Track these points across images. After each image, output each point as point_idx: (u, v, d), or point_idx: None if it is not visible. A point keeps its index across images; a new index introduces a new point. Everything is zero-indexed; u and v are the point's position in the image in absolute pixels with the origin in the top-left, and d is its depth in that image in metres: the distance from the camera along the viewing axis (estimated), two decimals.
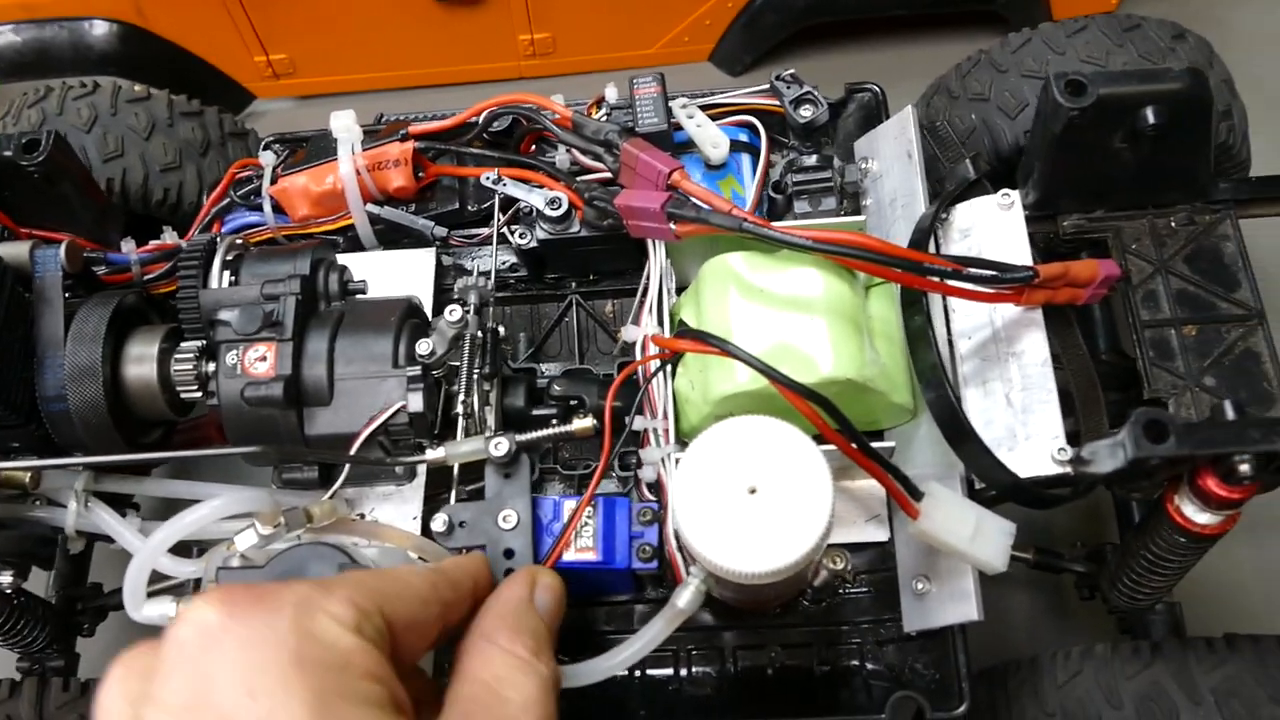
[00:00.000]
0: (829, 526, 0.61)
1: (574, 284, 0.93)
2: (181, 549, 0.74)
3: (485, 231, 0.93)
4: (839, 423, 0.68)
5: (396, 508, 0.81)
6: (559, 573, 0.70)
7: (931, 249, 0.78)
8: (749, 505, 0.62)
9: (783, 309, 0.75)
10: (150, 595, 0.70)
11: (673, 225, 0.76)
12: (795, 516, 0.61)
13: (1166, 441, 0.60)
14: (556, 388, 0.85)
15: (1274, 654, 0.71)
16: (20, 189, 0.82)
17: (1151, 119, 0.75)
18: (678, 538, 0.73)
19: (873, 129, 0.91)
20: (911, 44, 1.44)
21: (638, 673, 0.77)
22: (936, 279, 0.72)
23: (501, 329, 0.84)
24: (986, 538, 0.69)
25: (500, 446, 0.72)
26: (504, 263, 0.93)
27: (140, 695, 0.40)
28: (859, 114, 0.95)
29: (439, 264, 0.92)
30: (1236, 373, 0.74)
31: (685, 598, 0.66)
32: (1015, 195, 0.80)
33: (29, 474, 0.70)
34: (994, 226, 0.80)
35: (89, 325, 0.77)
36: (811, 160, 0.88)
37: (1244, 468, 0.61)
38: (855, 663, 0.75)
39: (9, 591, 0.80)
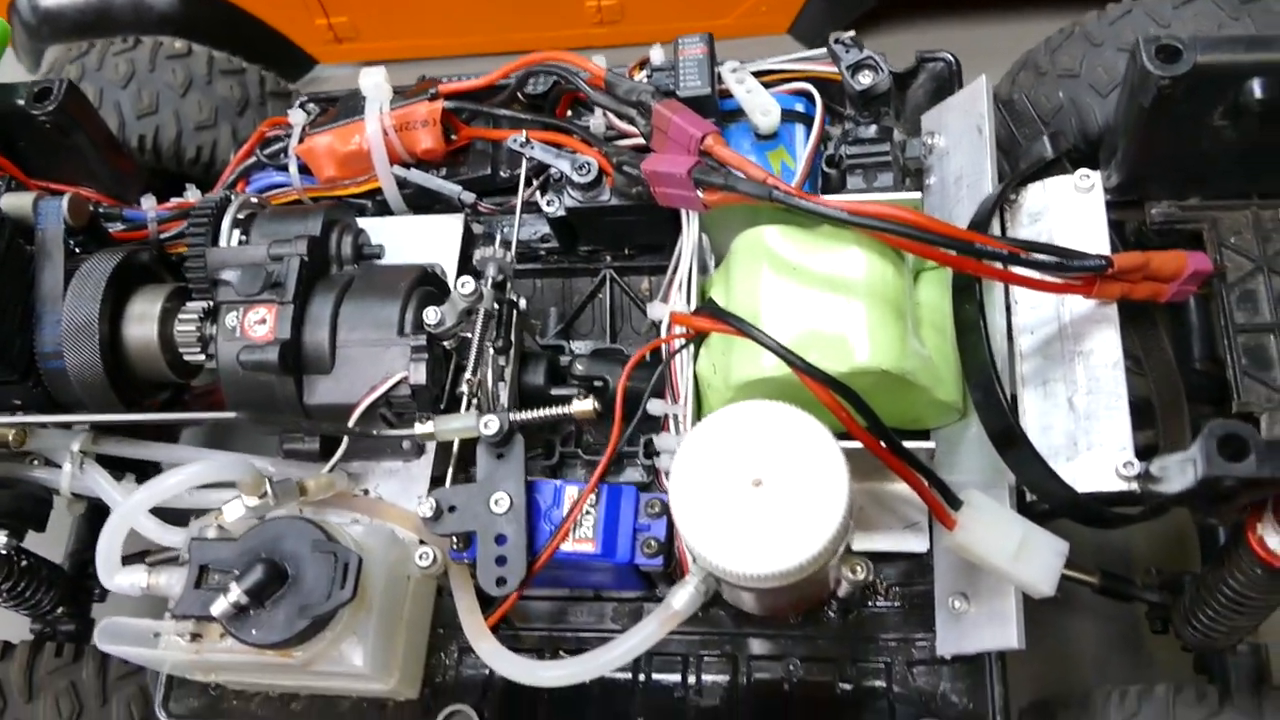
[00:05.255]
0: (844, 527, 0.54)
1: (608, 258, 0.87)
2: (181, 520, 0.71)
3: (517, 199, 0.87)
4: (866, 418, 0.61)
5: (402, 485, 0.76)
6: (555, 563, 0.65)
7: (995, 231, 0.70)
8: (753, 499, 0.55)
9: (819, 289, 0.67)
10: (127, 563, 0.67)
11: (700, 193, 0.69)
12: (804, 514, 0.54)
13: (1245, 460, 0.51)
14: (579, 367, 0.79)
15: None
16: (33, 139, 0.80)
17: (1259, 93, 0.65)
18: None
19: (942, 101, 0.83)
20: (1005, 20, 1.33)
21: (642, 677, 0.71)
22: (992, 264, 0.64)
23: (523, 302, 0.78)
24: (1033, 556, 0.61)
25: (491, 425, 0.66)
26: (536, 233, 0.88)
27: None
28: (930, 85, 0.87)
29: (468, 231, 0.87)
30: None
31: (681, 598, 0.60)
32: (1095, 176, 0.71)
33: (13, 431, 0.67)
34: (1069, 211, 0.71)
35: (90, 281, 0.74)
36: (869, 132, 0.80)
37: None
38: (881, 684, 0.68)
39: (6, 552, 0.78)
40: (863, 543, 0.70)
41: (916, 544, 0.70)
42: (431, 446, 0.77)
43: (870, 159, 0.79)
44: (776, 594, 0.60)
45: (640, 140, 0.79)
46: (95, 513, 0.91)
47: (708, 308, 0.66)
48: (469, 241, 0.87)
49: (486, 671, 0.73)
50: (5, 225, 0.72)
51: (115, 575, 0.65)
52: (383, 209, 0.91)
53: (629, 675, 0.71)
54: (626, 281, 0.87)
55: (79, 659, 0.81)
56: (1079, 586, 0.80)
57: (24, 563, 0.81)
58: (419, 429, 0.69)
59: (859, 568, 0.61)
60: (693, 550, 0.57)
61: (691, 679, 0.70)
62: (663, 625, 0.60)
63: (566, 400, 0.68)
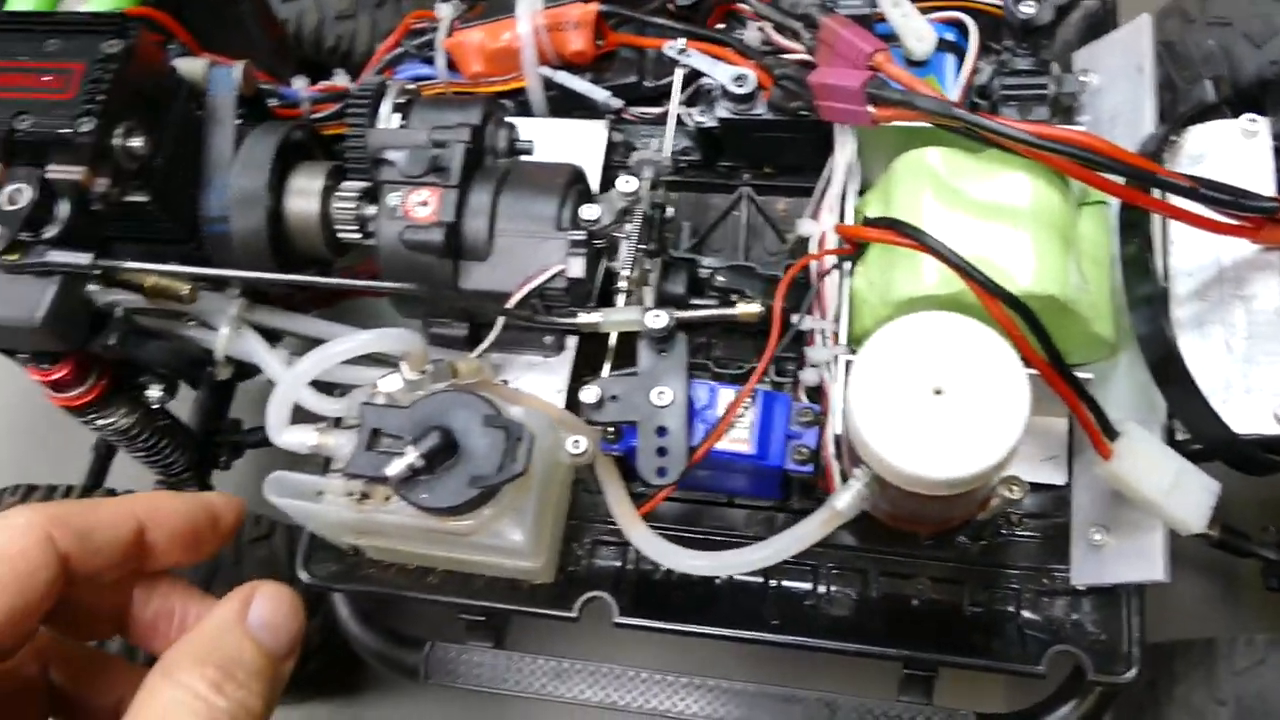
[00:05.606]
0: (1022, 434, 0.56)
1: (747, 175, 0.87)
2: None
3: (659, 110, 0.88)
4: (1039, 338, 0.62)
5: (542, 378, 0.78)
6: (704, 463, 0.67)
7: None
8: (934, 406, 0.57)
9: (983, 217, 0.68)
10: None
11: (871, 108, 0.70)
12: (986, 420, 0.56)
13: None
14: (720, 278, 0.80)
15: None
16: (198, 9, 0.81)
17: None
18: (838, 444, 0.68)
19: (1096, 39, 0.82)
20: None
21: (773, 582, 0.73)
22: (1165, 198, 0.64)
23: (671, 210, 0.79)
24: (1186, 492, 0.62)
25: (659, 319, 0.68)
26: (677, 145, 0.88)
27: None
28: (1082, 24, 0.87)
29: (608, 140, 0.88)
30: None
31: (845, 499, 0.62)
32: (1263, 122, 0.71)
33: (189, 287, 0.69)
34: (1233, 156, 0.71)
35: (259, 150, 0.75)
36: (1026, 64, 0.80)
37: None
38: (1011, 609, 0.70)
39: (157, 407, 0.80)
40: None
41: (1055, 476, 0.72)
42: (571, 345, 0.78)
43: (1026, 91, 0.79)
44: (939, 504, 0.61)
45: (803, 55, 0.79)
46: (223, 386, 0.94)
47: (882, 220, 0.67)
48: (609, 150, 0.88)
49: (618, 564, 0.75)
50: (183, 87, 0.73)
51: (284, 433, 0.67)
52: (523, 110, 0.91)
53: (760, 580, 0.73)
54: (762, 201, 0.87)
55: None
56: (1185, 540, 0.83)
57: (166, 422, 0.83)
58: (583, 318, 0.70)
59: (1015, 487, 0.63)
60: (874, 455, 0.58)
61: (821, 589, 0.72)
62: (824, 525, 0.62)
63: (731, 303, 0.70)
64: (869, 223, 0.68)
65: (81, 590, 0.39)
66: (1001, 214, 0.68)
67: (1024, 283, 0.65)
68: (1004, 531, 0.71)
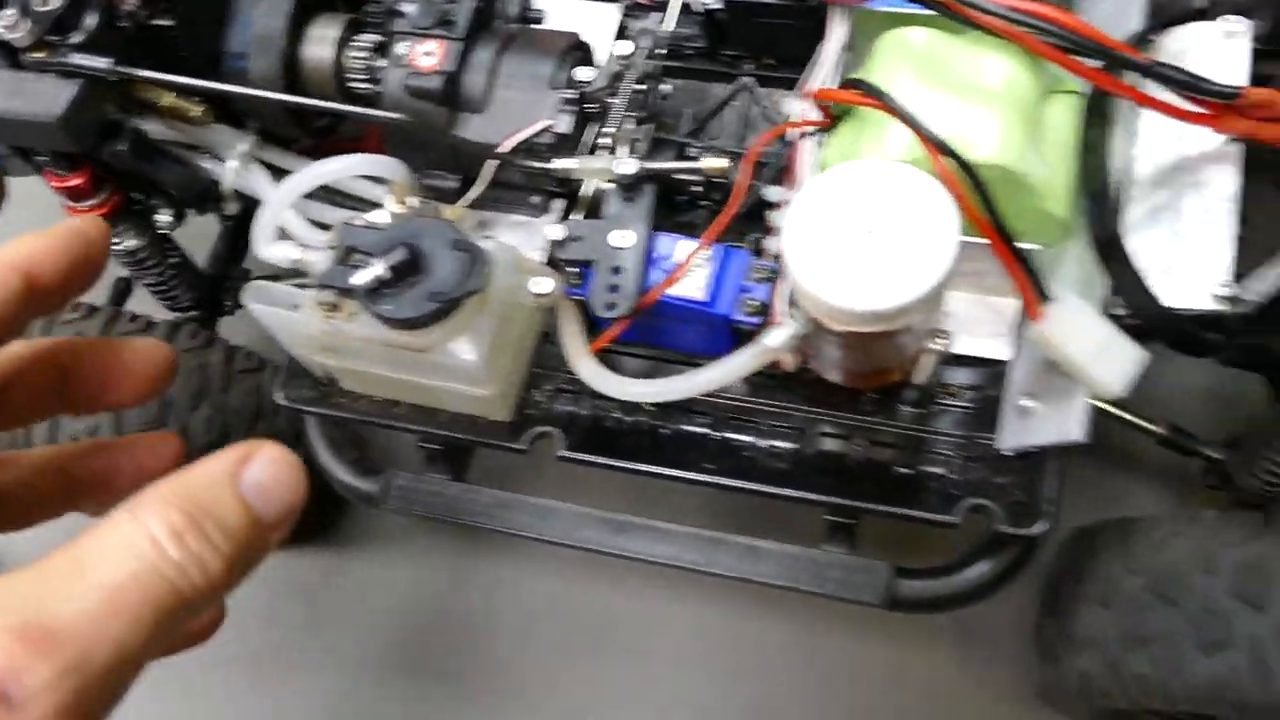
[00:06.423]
0: (949, 275, 0.58)
1: (749, 66, 0.90)
2: None
3: None
4: (984, 204, 0.64)
5: (527, 237, 0.82)
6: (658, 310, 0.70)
7: None
8: (864, 244, 0.60)
9: (954, 93, 0.70)
10: None
11: None
12: (912, 258, 0.58)
13: None
14: (708, 156, 0.83)
15: None
16: None
17: None
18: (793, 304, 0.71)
19: None
20: None
21: (717, 434, 0.76)
22: (1129, 80, 0.66)
23: (669, 86, 0.83)
24: (1111, 359, 0.64)
25: (627, 165, 0.71)
26: (685, 31, 0.91)
27: None
28: None
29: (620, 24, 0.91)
30: None
31: (777, 336, 0.65)
32: (1245, 24, 0.72)
33: (202, 108, 0.74)
34: (1210, 57, 0.72)
35: None
36: None
37: None
38: (940, 470, 0.72)
39: (166, 235, 0.86)
40: (951, 345, 0.74)
41: (1000, 351, 0.74)
42: (557, 207, 0.82)
43: None
44: (868, 346, 0.64)
45: None
46: (239, 227, 1.00)
47: (850, 81, 0.70)
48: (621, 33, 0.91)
49: (574, 409, 0.79)
50: None
51: (270, 246, 0.73)
52: None
53: (704, 431, 0.76)
54: (763, 94, 0.90)
55: (209, 345, 0.89)
56: (1136, 443, 0.84)
57: (177, 258, 0.90)
58: (557, 163, 0.74)
59: (941, 338, 0.65)
60: (805, 291, 0.61)
61: (763, 443, 0.75)
62: (755, 358, 0.66)
63: (698, 158, 0.73)
64: (845, 84, 0.71)
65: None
66: (972, 91, 0.70)
67: (980, 153, 0.67)
68: (943, 401, 0.74)
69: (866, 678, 0.99)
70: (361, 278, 0.66)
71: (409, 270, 0.67)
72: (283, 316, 0.72)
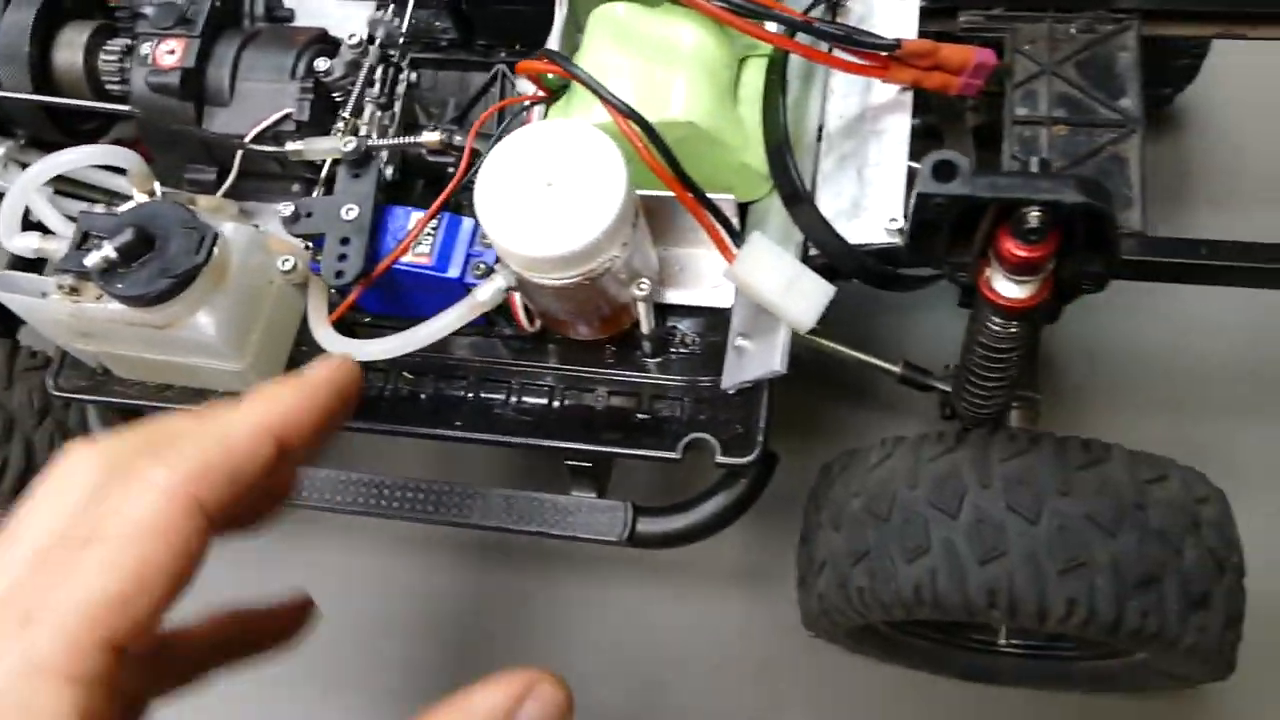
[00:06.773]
0: (620, 220, 0.64)
1: (503, 54, 0.95)
2: None
3: None
4: (667, 161, 0.69)
5: None
6: (396, 279, 0.74)
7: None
8: (545, 197, 0.65)
9: (650, 60, 0.76)
10: None
11: None
12: (586, 206, 0.64)
13: (953, 181, 0.60)
14: (459, 139, 0.88)
15: (1076, 452, 0.69)
16: None
17: None
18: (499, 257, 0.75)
19: None
20: None
21: (470, 394, 0.80)
22: (799, 40, 0.72)
23: (414, 75, 0.87)
24: (800, 294, 0.70)
25: (350, 144, 0.76)
26: (441, 23, 0.96)
27: None
28: None
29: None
30: (1099, 174, 0.72)
31: (485, 290, 0.70)
32: None
33: None
34: (887, 16, 0.79)
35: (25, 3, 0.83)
36: None
37: (1033, 218, 0.59)
38: (673, 414, 0.77)
39: None
40: (674, 297, 0.79)
41: (722, 299, 0.79)
42: (318, 192, 0.86)
43: None
44: (574, 295, 0.69)
45: None
46: None
47: (545, 52, 0.75)
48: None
49: None
50: None
51: (14, 239, 0.75)
52: None
53: (460, 393, 0.81)
54: (517, 78, 0.95)
55: (48, 364, 0.91)
56: (884, 384, 0.90)
57: None
58: (290, 145, 0.78)
59: (643, 284, 0.70)
60: (494, 243, 0.66)
61: (514, 399, 0.80)
62: (469, 310, 0.70)
63: (419, 132, 0.78)
64: (540, 54, 0.76)
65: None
66: (665, 56, 0.75)
67: (673, 111, 0.73)
68: (677, 350, 0.79)
69: (665, 634, 1.00)
70: (92, 259, 0.70)
71: (140, 249, 0.71)
72: (31, 303, 0.75)
